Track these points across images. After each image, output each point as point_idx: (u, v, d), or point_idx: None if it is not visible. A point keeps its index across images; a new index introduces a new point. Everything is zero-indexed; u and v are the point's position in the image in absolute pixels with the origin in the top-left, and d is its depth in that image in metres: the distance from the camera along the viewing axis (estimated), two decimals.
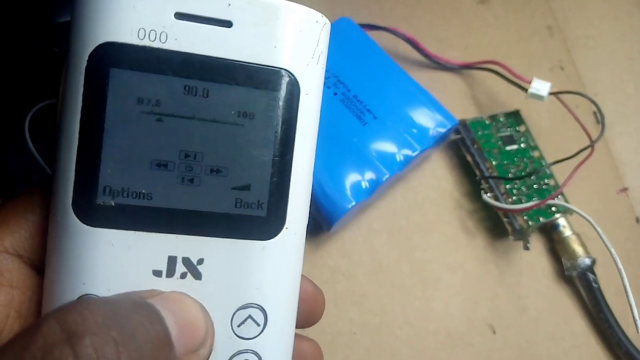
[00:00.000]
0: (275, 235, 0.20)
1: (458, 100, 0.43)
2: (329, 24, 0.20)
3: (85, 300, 0.18)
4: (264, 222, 0.20)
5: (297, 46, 0.19)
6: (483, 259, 0.39)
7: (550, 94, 0.40)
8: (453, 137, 0.41)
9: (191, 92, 0.19)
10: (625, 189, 0.43)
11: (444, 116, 0.39)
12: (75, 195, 0.18)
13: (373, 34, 0.41)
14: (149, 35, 0.18)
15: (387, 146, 0.37)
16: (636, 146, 0.45)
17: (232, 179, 0.19)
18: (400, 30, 0.42)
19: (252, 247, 0.19)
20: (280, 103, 0.19)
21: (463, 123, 0.41)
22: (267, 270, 0.20)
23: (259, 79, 0.19)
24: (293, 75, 0.19)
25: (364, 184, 0.36)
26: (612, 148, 0.44)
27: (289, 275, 0.20)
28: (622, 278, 0.33)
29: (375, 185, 0.36)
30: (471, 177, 0.41)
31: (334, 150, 0.36)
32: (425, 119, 0.38)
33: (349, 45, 0.40)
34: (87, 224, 0.18)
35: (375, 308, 0.38)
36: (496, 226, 0.40)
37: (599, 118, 0.40)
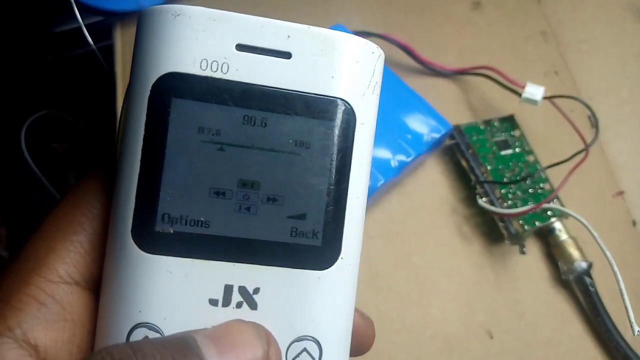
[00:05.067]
0: (331, 266, 0.19)
1: (452, 106, 0.43)
2: (383, 55, 0.20)
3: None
4: (319, 252, 0.19)
5: (353, 76, 0.20)
6: (479, 264, 0.39)
7: (545, 98, 0.40)
8: (448, 142, 0.41)
9: (250, 121, 0.19)
10: (621, 193, 0.43)
11: (438, 121, 0.39)
12: (134, 222, 0.18)
13: None
14: (211, 65, 0.19)
15: (381, 152, 0.37)
16: (632, 149, 0.45)
17: (289, 208, 0.19)
18: (394, 36, 0.42)
19: (308, 277, 0.19)
20: (337, 132, 0.19)
21: (458, 128, 0.41)
22: (322, 302, 0.19)
23: (316, 108, 0.19)
24: (350, 105, 0.19)
25: None
26: (607, 152, 0.44)
27: (344, 307, 0.20)
28: (617, 281, 0.33)
29: (369, 191, 0.36)
30: (466, 182, 0.41)
31: None
32: (420, 124, 0.38)
33: None
34: (146, 251, 0.18)
35: (371, 314, 0.37)
36: (492, 231, 0.40)
37: (594, 122, 0.40)
